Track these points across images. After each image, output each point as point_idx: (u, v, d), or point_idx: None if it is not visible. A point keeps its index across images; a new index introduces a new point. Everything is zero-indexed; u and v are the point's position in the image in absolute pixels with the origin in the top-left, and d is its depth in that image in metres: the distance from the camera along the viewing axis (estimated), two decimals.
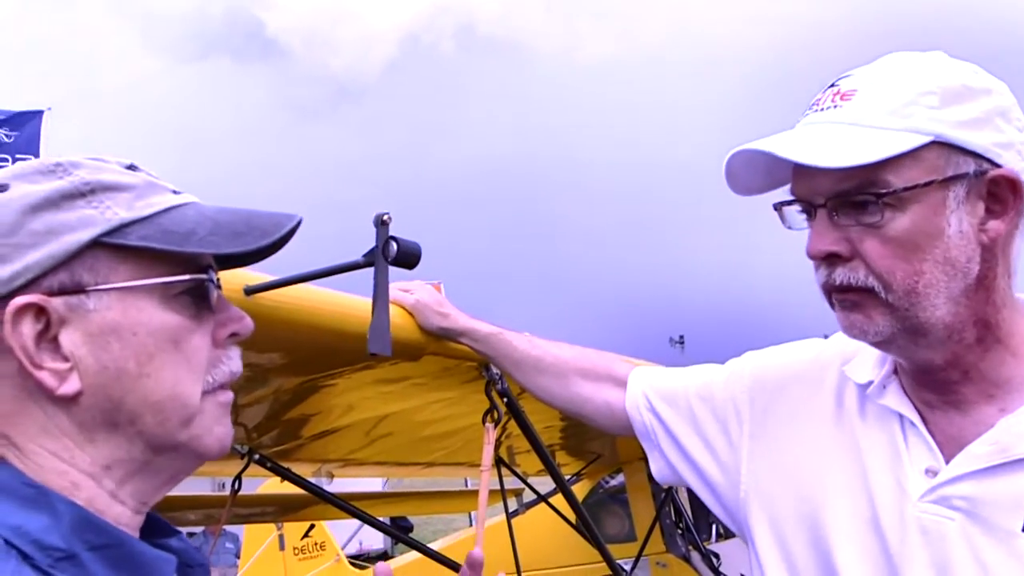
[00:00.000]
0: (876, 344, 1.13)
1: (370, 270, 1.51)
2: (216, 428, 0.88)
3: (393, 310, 1.72)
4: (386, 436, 2.91)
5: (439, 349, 1.87)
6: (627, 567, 4.51)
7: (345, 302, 1.74)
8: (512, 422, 2.23)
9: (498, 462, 3.07)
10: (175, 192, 0.87)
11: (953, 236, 1.03)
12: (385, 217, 1.47)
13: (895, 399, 1.16)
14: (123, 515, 0.83)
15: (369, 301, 1.78)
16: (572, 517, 4.33)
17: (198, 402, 0.85)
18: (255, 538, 7.49)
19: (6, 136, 12.49)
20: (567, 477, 4.81)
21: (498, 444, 3.07)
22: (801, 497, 1.22)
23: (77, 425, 0.80)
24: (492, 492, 2.71)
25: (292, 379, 2.04)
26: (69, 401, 0.79)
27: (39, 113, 12.85)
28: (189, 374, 0.84)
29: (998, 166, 1.04)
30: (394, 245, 1.43)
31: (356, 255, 1.53)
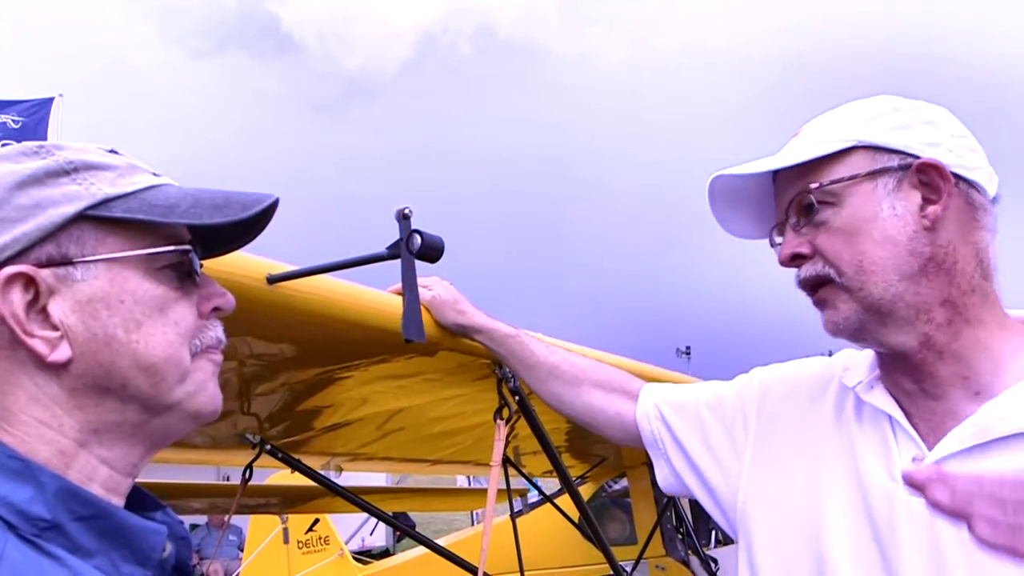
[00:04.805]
0: (853, 336, 1.22)
1: (389, 263, 1.54)
2: (209, 385, 0.91)
3: None
4: (397, 431, 2.93)
5: (454, 345, 1.89)
6: (627, 569, 4.54)
7: (366, 295, 1.76)
8: (520, 423, 2.25)
9: (505, 461, 3.09)
10: (155, 175, 0.91)
11: (888, 218, 1.17)
12: (407, 211, 1.50)
13: (881, 398, 1.24)
14: (110, 479, 0.85)
15: (389, 294, 1.81)
16: (576, 518, 4.36)
17: (189, 362, 0.88)
18: (259, 531, 7.50)
19: (13, 122, 12.49)
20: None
21: (506, 444, 3.09)
22: (798, 499, 1.28)
23: (67, 392, 0.82)
24: (498, 491, 2.74)
25: (308, 370, 2.06)
26: (59, 368, 0.81)
27: (49, 100, 12.82)
28: (178, 337, 0.87)
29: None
30: (418, 238, 1.46)
31: (366, 251, 1.57)
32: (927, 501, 0.77)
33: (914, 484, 0.77)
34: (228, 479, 7.74)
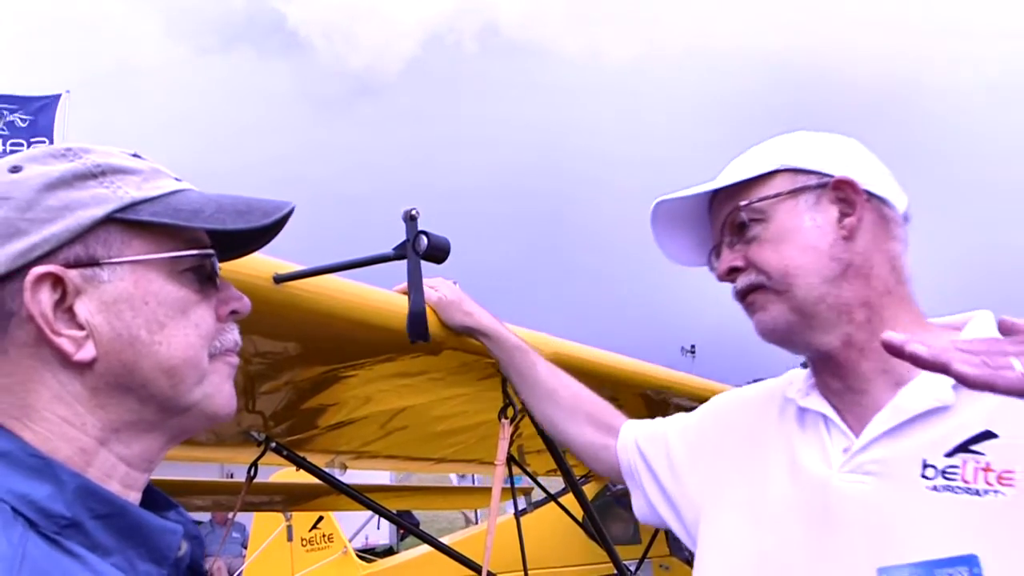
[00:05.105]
0: (782, 340, 1.34)
1: (395, 263, 1.55)
2: (225, 387, 0.92)
3: None
4: (400, 429, 2.95)
5: (458, 344, 1.90)
6: (631, 568, 4.54)
7: (372, 294, 1.77)
8: (524, 422, 2.26)
9: (509, 460, 3.10)
10: (177, 179, 0.93)
11: (810, 229, 1.30)
12: (413, 212, 1.52)
13: (815, 401, 1.35)
14: (128, 476, 0.87)
15: (395, 294, 1.81)
16: (580, 517, 4.36)
17: (207, 364, 0.90)
18: (263, 528, 7.52)
19: (20, 120, 12.53)
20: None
21: (510, 442, 3.10)
22: (744, 502, 1.37)
23: (89, 391, 0.84)
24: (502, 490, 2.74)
25: (313, 369, 2.07)
26: (83, 367, 0.83)
27: (56, 97, 12.84)
28: (199, 339, 0.89)
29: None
30: (424, 239, 1.47)
31: (372, 250, 1.57)
32: (906, 356, 0.84)
33: (892, 346, 0.85)
34: (232, 476, 7.75)
